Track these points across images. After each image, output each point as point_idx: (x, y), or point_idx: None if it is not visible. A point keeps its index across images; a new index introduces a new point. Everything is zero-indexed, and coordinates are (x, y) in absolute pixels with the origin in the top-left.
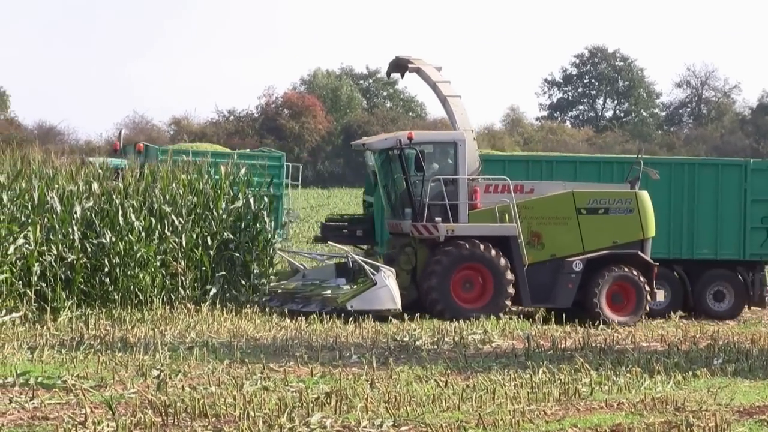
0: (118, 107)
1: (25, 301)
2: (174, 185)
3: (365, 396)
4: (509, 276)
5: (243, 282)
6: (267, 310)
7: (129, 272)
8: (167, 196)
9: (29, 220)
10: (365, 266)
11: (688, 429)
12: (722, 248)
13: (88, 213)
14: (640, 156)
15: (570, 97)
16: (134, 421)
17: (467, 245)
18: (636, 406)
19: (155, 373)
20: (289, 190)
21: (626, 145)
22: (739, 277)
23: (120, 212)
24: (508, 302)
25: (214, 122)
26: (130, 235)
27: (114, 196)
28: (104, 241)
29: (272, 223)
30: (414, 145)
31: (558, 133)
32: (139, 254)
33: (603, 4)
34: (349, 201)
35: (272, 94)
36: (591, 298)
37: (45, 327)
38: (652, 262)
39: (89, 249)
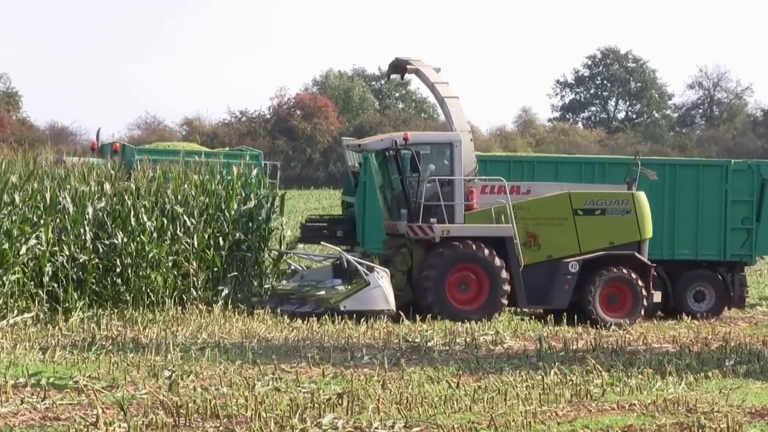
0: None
1: (36, 302)
2: (186, 186)
3: (377, 397)
4: (505, 277)
5: (255, 283)
6: (278, 311)
7: (141, 273)
8: (179, 197)
9: (41, 221)
10: (358, 267)
11: (700, 430)
12: (703, 249)
13: (100, 213)
14: (637, 157)
15: (582, 99)
16: (146, 421)
17: (462, 246)
18: (648, 407)
19: (167, 373)
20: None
21: (638, 146)
22: (720, 277)
23: (132, 213)
24: (504, 303)
25: (226, 123)
26: (142, 236)
27: (126, 197)
28: (116, 241)
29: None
30: (410, 145)
31: (570, 135)
32: (150, 255)
33: (615, 6)
34: None
35: (284, 95)
36: (587, 299)
37: (57, 327)
38: (649, 263)
39: (101, 249)
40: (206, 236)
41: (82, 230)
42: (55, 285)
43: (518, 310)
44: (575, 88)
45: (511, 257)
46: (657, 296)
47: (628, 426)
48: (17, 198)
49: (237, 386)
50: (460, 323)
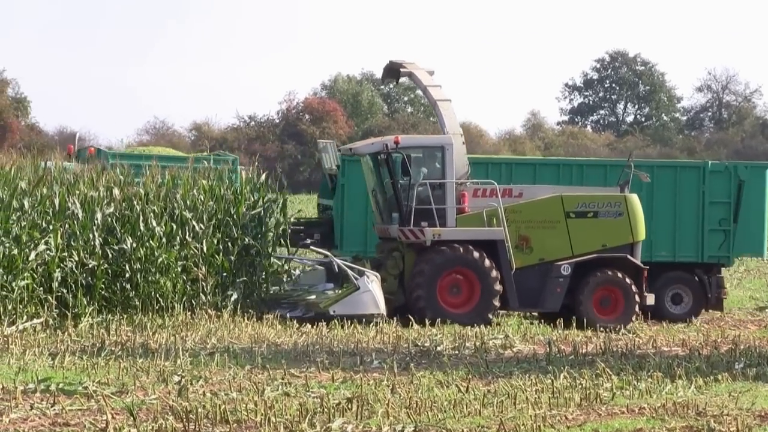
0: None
1: (46, 308)
2: (195, 191)
3: (386, 401)
4: (496, 280)
5: (264, 287)
6: (288, 315)
7: (150, 278)
8: (188, 202)
9: (50, 226)
10: (348, 271)
11: None
12: (680, 250)
13: (109, 219)
14: (630, 159)
15: (591, 102)
16: (155, 427)
17: (454, 250)
18: (657, 410)
19: (176, 378)
20: None
21: (647, 149)
22: (697, 279)
23: (141, 218)
24: (496, 305)
25: (235, 128)
26: (151, 241)
27: (135, 202)
28: (125, 246)
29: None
30: (401, 149)
31: (579, 138)
32: (160, 260)
33: (624, 9)
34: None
35: (293, 99)
36: (579, 302)
37: (66, 333)
38: (641, 265)
39: (110, 255)
40: (215, 241)
41: (91, 235)
42: (65, 290)
43: (527, 314)
44: (584, 91)
45: (502, 260)
46: (650, 299)
47: (637, 429)
48: (26, 204)
49: (246, 391)
50: (469, 327)
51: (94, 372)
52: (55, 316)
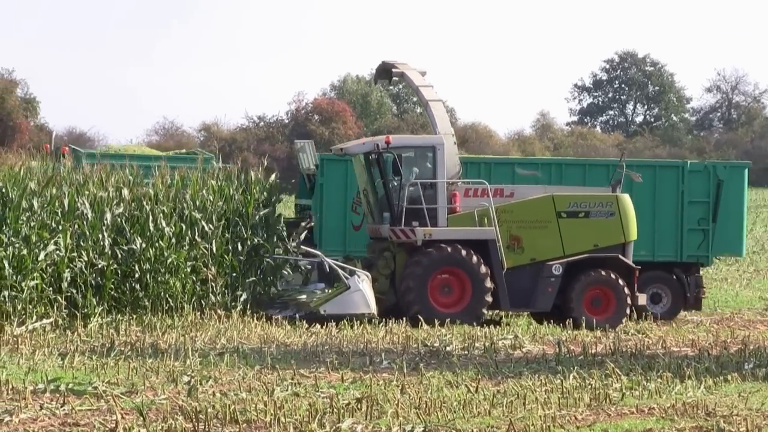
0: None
1: (55, 308)
2: (204, 191)
3: (396, 402)
4: (487, 280)
5: (273, 287)
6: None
7: (159, 278)
8: (197, 202)
9: (60, 227)
10: (339, 270)
11: None
12: (659, 250)
13: (119, 219)
14: (622, 159)
15: (600, 103)
16: (165, 427)
17: (445, 249)
18: (667, 411)
19: (186, 379)
20: None
21: (656, 150)
22: (676, 278)
23: (150, 218)
24: (487, 305)
25: (244, 128)
26: (160, 241)
27: (144, 203)
28: (135, 247)
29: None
30: (392, 149)
31: (588, 139)
32: (169, 260)
33: (633, 10)
34: None
35: (302, 99)
36: (570, 301)
37: (75, 333)
38: (633, 265)
39: (120, 255)
40: (224, 241)
41: (100, 236)
42: (74, 291)
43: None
44: (593, 92)
45: (494, 260)
46: (642, 299)
47: (647, 430)
48: (36, 204)
49: (256, 391)
50: (479, 328)
51: (104, 372)
52: (65, 316)
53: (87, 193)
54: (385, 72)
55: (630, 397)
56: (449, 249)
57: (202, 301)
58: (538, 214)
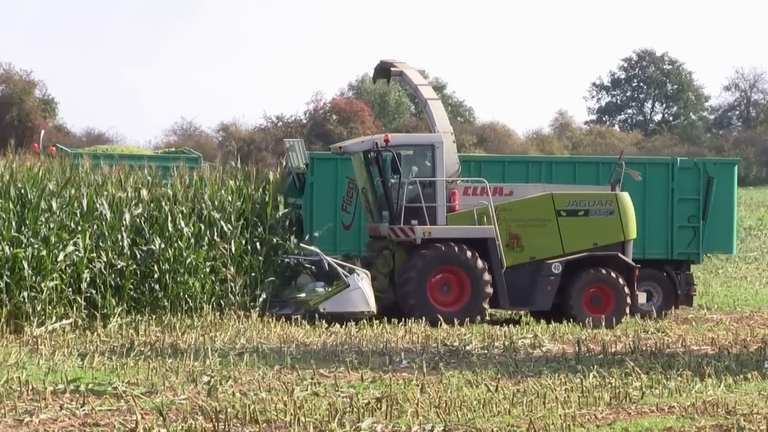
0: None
1: (75, 308)
2: (223, 191)
3: (416, 401)
4: (487, 279)
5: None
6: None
7: (178, 279)
8: (216, 203)
9: (79, 227)
10: (338, 268)
11: None
12: (650, 247)
13: (138, 220)
14: (622, 157)
15: (618, 101)
16: (185, 427)
17: (444, 248)
18: (687, 409)
19: (206, 379)
20: None
21: (675, 148)
22: (667, 276)
23: (169, 219)
24: (486, 305)
25: (262, 128)
26: (179, 242)
27: (163, 203)
28: (154, 247)
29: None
30: (391, 147)
31: (606, 137)
32: (188, 260)
33: (651, 8)
34: None
35: (320, 99)
36: (570, 300)
37: (95, 334)
38: (632, 264)
39: (139, 255)
40: (243, 241)
41: (119, 236)
42: (93, 291)
43: None
44: (611, 90)
45: (493, 259)
46: (642, 297)
47: (667, 428)
48: (54, 205)
49: (276, 391)
50: (498, 327)
51: (124, 372)
52: (84, 316)
53: (106, 193)
54: (384, 71)
55: (650, 395)
56: (448, 248)
57: (222, 301)
58: (538, 213)
